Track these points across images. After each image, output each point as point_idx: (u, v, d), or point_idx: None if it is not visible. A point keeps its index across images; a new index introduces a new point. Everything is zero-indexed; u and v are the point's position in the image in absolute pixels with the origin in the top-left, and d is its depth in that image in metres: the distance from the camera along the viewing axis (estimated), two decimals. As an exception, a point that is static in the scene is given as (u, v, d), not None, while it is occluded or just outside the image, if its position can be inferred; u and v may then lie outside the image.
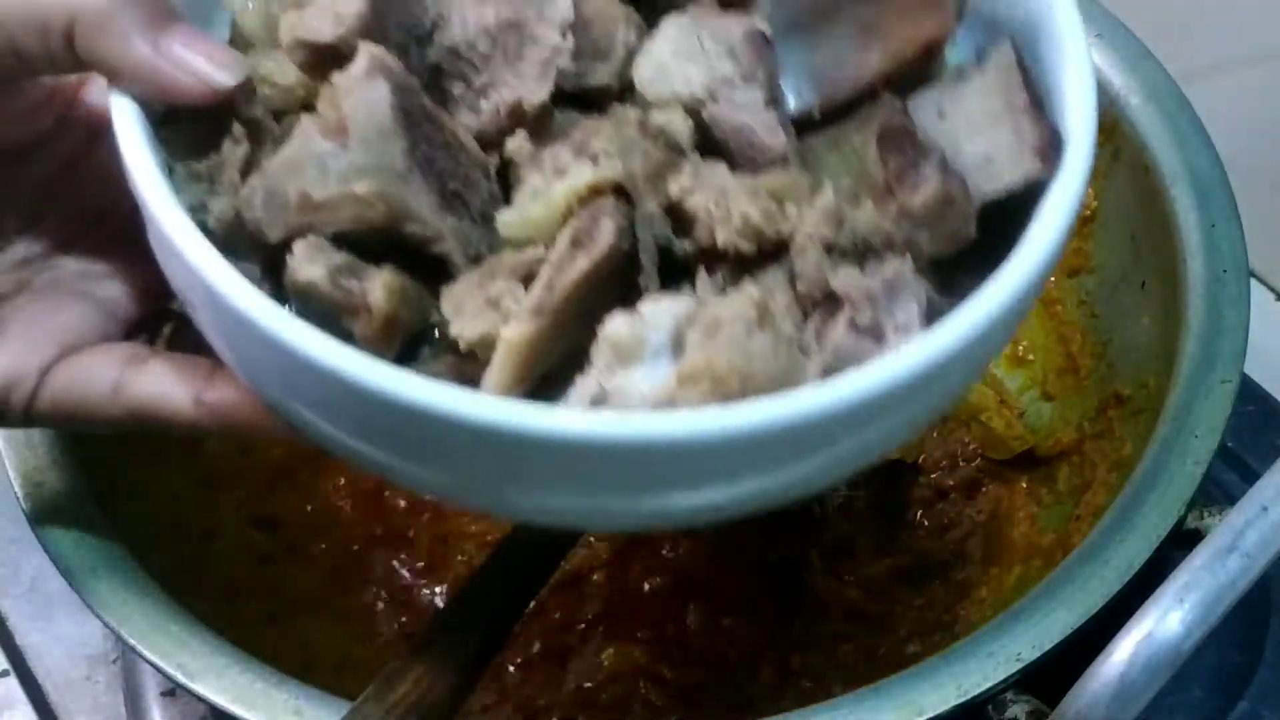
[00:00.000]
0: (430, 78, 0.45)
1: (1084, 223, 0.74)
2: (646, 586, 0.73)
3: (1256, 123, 0.92)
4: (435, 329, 0.44)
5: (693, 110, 0.45)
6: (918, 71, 0.47)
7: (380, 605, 0.72)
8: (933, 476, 0.77)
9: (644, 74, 0.45)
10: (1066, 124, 0.44)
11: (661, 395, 0.40)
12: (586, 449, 0.38)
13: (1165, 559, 0.55)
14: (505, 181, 0.45)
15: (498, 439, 0.38)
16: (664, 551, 0.73)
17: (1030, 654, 0.53)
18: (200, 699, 0.54)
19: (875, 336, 0.41)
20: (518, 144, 0.44)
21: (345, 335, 0.42)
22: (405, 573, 0.73)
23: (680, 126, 0.44)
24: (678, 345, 0.40)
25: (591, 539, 0.73)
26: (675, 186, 0.43)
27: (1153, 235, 0.68)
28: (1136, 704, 0.49)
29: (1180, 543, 0.56)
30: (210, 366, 0.47)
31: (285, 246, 0.42)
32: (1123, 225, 0.72)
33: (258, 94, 0.45)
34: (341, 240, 0.42)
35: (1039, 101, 0.44)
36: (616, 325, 0.40)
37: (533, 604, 0.63)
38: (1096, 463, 0.68)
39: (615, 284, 0.43)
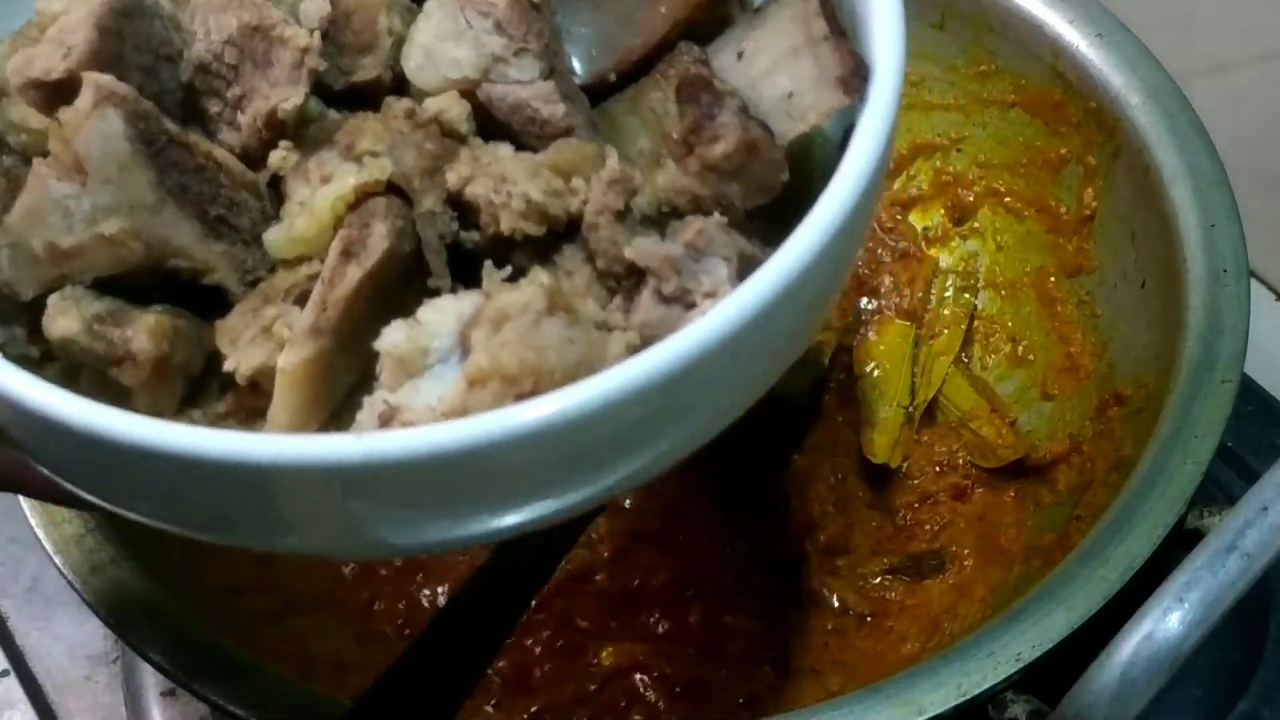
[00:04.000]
0: (187, 97, 0.42)
1: (1084, 222, 0.74)
2: (647, 585, 0.73)
3: (1256, 123, 0.92)
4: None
5: (468, 93, 0.42)
6: (715, 15, 0.44)
7: (380, 605, 0.72)
8: (915, 481, 0.77)
9: (412, 63, 0.42)
10: (873, 52, 0.42)
11: (451, 404, 0.37)
12: (327, 475, 0.35)
13: (1165, 559, 0.55)
14: (281, 196, 0.42)
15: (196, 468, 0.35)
16: (665, 550, 0.73)
17: (1030, 654, 0.52)
18: (200, 699, 0.54)
19: (684, 304, 0.39)
20: (281, 155, 0.41)
21: (121, 389, 0.39)
22: (405, 573, 0.73)
23: (456, 113, 0.41)
24: (465, 348, 0.38)
25: (593, 535, 0.73)
26: (453, 176, 0.40)
27: (1153, 235, 0.68)
28: (1136, 704, 0.49)
29: (1180, 543, 0.55)
30: None
31: (44, 302, 0.39)
32: (1123, 225, 0.71)
33: (10, 143, 0.42)
34: (108, 285, 0.40)
35: (841, 29, 0.42)
36: (393, 336, 0.38)
37: (533, 603, 0.63)
38: (1096, 463, 0.68)
39: (409, 289, 0.40)
